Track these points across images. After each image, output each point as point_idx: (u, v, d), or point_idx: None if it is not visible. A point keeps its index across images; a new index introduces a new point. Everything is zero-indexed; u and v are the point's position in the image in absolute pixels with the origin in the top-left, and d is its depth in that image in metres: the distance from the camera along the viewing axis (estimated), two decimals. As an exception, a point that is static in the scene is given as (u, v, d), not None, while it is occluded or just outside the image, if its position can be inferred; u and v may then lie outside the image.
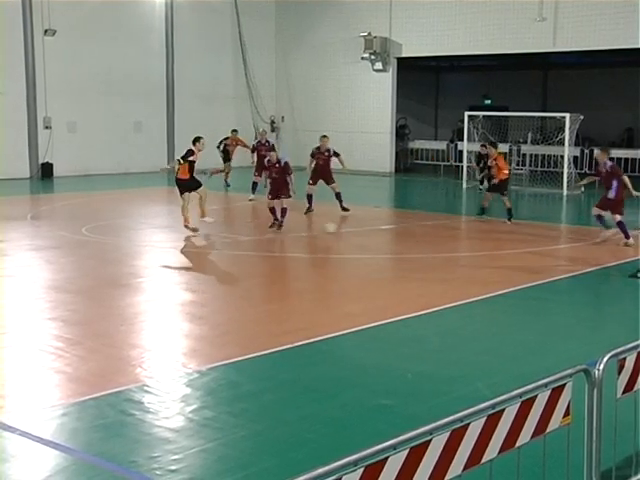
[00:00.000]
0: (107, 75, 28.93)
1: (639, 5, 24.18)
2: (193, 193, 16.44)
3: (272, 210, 17.00)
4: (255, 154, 22.31)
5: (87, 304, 10.80)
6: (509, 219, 18.39)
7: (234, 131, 26.23)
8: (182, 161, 16.18)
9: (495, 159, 18.96)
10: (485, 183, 24.98)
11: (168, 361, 8.41)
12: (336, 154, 19.92)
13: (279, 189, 17.05)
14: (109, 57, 28.91)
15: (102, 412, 6.87)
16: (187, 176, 16.24)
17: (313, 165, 19.84)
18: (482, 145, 25.38)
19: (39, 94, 27.46)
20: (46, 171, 27.76)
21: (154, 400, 7.18)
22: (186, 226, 16.20)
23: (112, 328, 9.50)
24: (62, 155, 28.04)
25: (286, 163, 17.23)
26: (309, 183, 19.59)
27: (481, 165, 25.31)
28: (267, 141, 22.73)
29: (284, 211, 16.96)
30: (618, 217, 15.29)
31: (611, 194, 15.39)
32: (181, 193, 16.39)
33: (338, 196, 19.68)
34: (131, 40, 29.63)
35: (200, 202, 16.58)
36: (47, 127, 27.85)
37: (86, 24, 28.18)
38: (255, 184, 21.91)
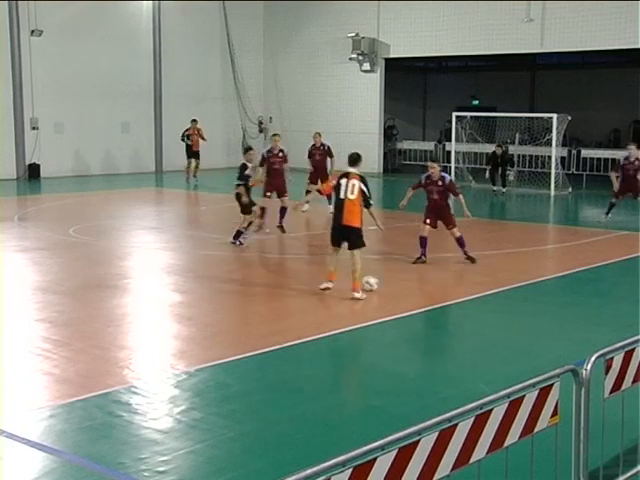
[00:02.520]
0: (94, 76, 28.81)
1: (626, 6, 24.31)
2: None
3: (423, 241, 13.59)
4: (310, 160, 20.14)
5: (74, 305, 10.76)
6: None
7: (193, 121, 26.66)
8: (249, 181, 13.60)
9: None
10: (499, 186, 25.02)
11: (156, 362, 8.39)
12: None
13: (441, 214, 13.54)
14: (96, 58, 28.78)
15: (90, 414, 6.85)
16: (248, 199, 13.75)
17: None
18: (498, 145, 25.47)
19: (26, 95, 27.32)
20: (33, 172, 27.63)
21: (142, 401, 7.16)
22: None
23: (100, 329, 9.47)
24: (49, 156, 27.92)
25: (451, 182, 13.67)
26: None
27: (490, 166, 25.38)
28: (322, 144, 20.09)
29: (461, 241, 13.44)
30: None
31: None
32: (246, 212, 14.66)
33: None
34: (118, 41, 29.51)
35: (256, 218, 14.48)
36: (34, 128, 27.72)
37: (73, 25, 28.06)
38: (308, 192, 19.00)
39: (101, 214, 19.63)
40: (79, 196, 23.52)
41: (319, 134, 20.37)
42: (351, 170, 11.20)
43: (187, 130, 26.48)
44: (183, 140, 26.41)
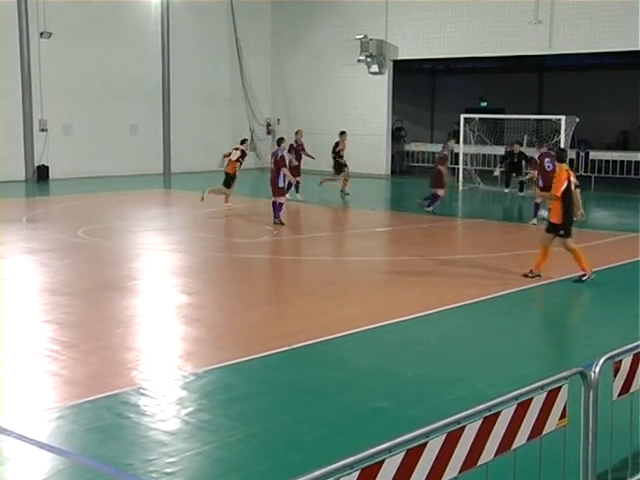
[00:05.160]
0: (103, 77, 28.91)
1: (635, 8, 24.24)
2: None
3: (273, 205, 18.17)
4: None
5: (83, 307, 10.79)
6: None
7: (342, 133, 24.43)
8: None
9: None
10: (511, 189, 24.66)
11: (164, 364, 8.40)
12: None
13: (272, 183, 18.10)
14: (105, 59, 28.89)
15: (98, 415, 6.86)
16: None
17: None
18: (517, 142, 25.03)
19: (35, 97, 27.43)
20: (42, 174, 27.73)
21: (150, 403, 7.17)
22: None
23: (108, 331, 9.48)
24: (58, 158, 28.01)
25: (282, 157, 18.11)
26: None
27: (507, 162, 24.98)
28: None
29: (277, 207, 17.96)
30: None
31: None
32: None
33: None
34: (127, 42, 29.61)
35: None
36: (43, 130, 27.83)
37: (82, 27, 28.17)
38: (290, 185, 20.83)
39: (109, 216, 19.68)
40: (87, 198, 23.57)
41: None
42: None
43: (338, 145, 23.90)
44: (335, 158, 23.71)
